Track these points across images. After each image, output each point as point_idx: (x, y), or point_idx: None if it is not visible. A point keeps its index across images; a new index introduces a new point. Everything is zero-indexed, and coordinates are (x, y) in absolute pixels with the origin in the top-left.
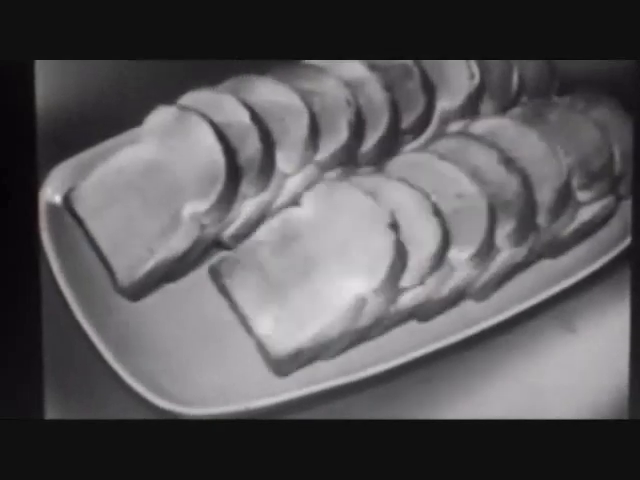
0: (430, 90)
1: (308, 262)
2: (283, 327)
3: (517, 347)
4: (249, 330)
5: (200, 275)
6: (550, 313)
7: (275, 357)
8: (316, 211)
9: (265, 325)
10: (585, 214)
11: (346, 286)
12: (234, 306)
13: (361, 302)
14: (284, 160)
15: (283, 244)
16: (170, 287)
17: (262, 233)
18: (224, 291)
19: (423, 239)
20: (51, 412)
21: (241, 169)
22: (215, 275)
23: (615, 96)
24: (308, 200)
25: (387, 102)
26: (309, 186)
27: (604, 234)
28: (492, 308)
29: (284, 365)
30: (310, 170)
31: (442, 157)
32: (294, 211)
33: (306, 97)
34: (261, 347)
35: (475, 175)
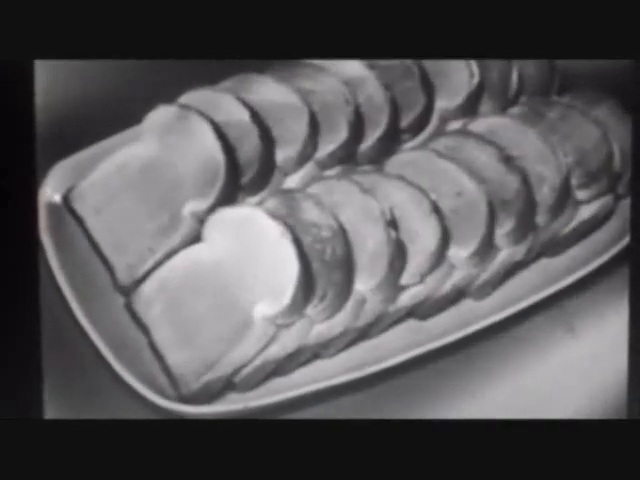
0: (430, 89)
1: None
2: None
3: (516, 346)
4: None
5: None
6: (549, 312)
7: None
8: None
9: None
10: (584, 213)
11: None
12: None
13: (360, 301)
14: (283, 159)
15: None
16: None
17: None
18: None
19: (423, 237)
20: (50, 412)
21: (241, 168)
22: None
23: (615, 95)
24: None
25: (387, 101)
26: (308, 184)
27: (603, 233)
28: (491, 307)
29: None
30: (309, 168)
31: (441, 155)
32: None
33: (305, 96)
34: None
35: (474, 173)
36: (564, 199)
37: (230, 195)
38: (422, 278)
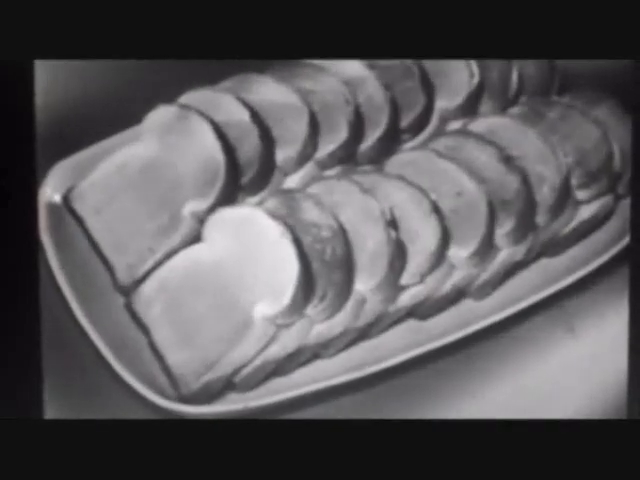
0: (430, 89)
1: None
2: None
3: (516, 346)
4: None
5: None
6: (549, 312)
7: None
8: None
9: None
10: (584, 213)
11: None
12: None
13: (360, 301)
14: (283, 159)
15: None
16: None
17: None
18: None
19: (422, 237)
20: (50, 412)
21: (241, 168)
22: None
23: (615, 95)
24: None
25: (387, 101)
26: (308, 184)
27: (603, 233)
28: (491, 307)
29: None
30: (309, 168)
31: (441, 155)
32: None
33: (305, 96)
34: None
35: (474, 173)
36: (564, 199)
37: (230, 195)
38: (422, 278)
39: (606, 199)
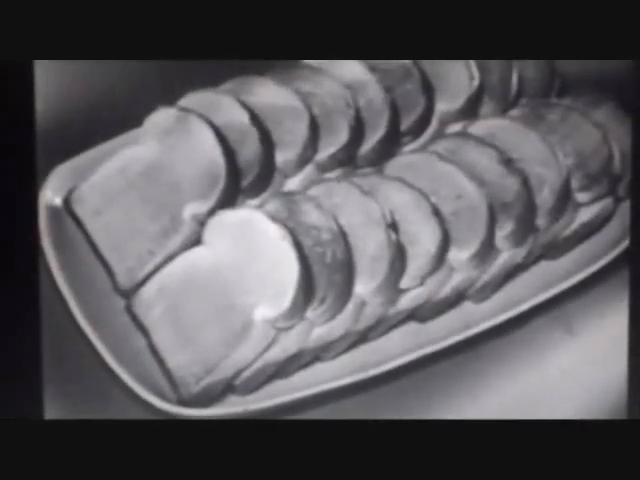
0: (430, 92)
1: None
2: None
3: (516, 348)
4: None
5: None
6: (549, 314)
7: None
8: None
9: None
10: (584, 215)
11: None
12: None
13: (360, 304)
14: (284, 161)
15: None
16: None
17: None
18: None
19: (423, 240)
20: (50, 412)
21: (241, 170)
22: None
23: (615, 97)
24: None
25: (387, 103)
26: (308, 187)
27: (603, 235)
28: (491, 309)
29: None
30: (309, 171)
31: (442, 158)
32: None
33: (306, 98)
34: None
35: (475, 176)
36: (564, 201)
37: (230, 198)
38: (422, 281)
39: (606, 201)
